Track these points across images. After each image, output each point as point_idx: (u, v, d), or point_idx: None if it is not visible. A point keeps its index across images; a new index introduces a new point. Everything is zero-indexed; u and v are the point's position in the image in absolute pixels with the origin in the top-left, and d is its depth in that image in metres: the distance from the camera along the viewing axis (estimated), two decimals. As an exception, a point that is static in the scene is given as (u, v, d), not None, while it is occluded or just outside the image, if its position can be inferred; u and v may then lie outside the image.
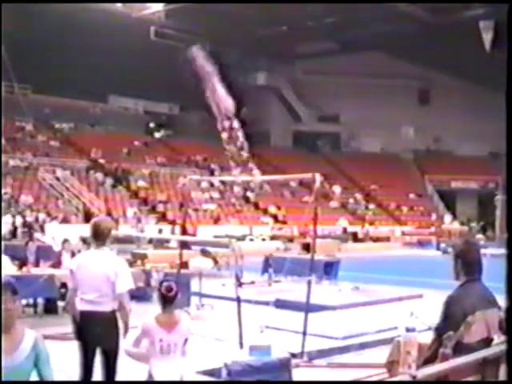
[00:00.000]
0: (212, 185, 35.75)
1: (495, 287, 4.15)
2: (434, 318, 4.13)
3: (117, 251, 9.72)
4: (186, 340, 4.81)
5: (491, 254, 17.98)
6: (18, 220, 24.91)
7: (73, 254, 11.10)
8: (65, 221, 27.17)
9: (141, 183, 34.20)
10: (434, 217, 41.41)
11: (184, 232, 13.63)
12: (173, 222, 29.26)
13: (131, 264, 12.04)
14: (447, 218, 40.83)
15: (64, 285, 9.98)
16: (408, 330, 4.99)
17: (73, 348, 5.39)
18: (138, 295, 9.19)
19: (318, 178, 8.36)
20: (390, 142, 46.58)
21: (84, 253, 6.11)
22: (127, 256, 13.81)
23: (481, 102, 41.87)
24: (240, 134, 16.21)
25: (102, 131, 39.17)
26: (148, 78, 37.04)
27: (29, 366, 3.34)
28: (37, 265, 12.52)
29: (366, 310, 11.39)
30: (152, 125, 46.07)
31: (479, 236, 32.30)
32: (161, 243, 19.29)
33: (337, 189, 40.88)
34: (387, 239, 35.96)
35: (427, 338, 4.28)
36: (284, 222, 34.55)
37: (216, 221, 32.39)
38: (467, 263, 4.04)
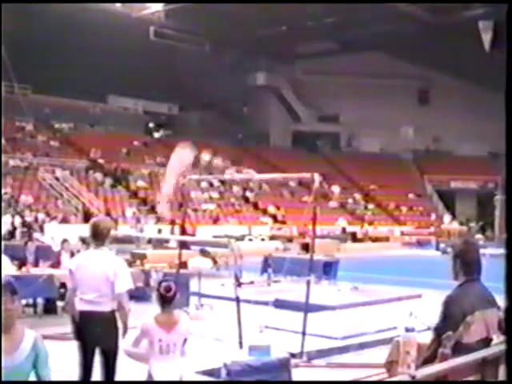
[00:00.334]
0: (211, 185, 35.74)
1: (494, 287, 4.14)
2: (433, 318, 4.12)
3: (116, 251, 9.69)
4: (185, 340, 4.81)
5: (490, 253, 18.05)
6: (17, 220, 24.87)
7: (72, 254, 11.08)
8: (64, 221, 27.11)
9: (140, 183, 34.15)
10: (433, 217, 41.39)
11: (183, 232, 13.61)
12: (172, 222, 29.21)
13: (130, 264, 12.02)
14: (446, 218, 40.79)
15: (63, 285, 9.99)
16: (407, 330, 4.98)
17: (72, 348, 5.38)
18: (137, 295, 9.17)
19: (317, 177, 8.38)
20: (390, 142, 46.55)
21: (83, 253, 6.11)
22: (126, 256, 13.78)
23: (480, 102, 41.85)
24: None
25: (101, 131, 39.12)
26: (147, 78, 37.08)
27: (29, 366, 3.34)
28: (36, 265, 12.54)
29: (366, 310, 11.40)
30: (151, 125, 46.05)
31: (478, 236, 32.33)
32: (160, 243, 19.28)
33: (336, 189, 40.87)
34: (386, 239, 35.93)
35: (426, 338, 4.27)
36: (283, 222, 34.50)
37: (215, 221, 32.37)
38: (466, 263, 4.04)
